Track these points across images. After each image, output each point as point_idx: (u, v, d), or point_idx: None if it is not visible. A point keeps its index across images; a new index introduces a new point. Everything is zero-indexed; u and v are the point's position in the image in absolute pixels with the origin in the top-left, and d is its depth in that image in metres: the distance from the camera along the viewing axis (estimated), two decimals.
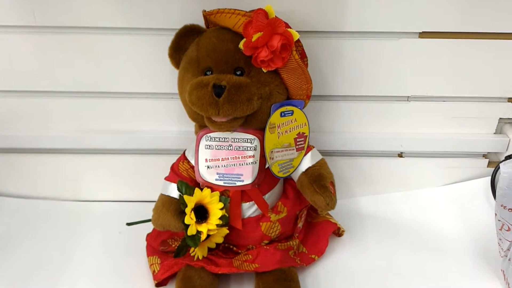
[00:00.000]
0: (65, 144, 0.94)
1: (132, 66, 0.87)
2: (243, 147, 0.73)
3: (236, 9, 0.69)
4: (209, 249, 0.78)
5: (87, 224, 0.93)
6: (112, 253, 0.85)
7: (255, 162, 0.74)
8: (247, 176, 0.74)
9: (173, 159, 0.82)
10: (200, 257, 0.77)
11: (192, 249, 0.77)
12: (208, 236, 0.75)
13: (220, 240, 0.77)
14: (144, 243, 0.84)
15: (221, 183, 0.75)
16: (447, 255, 0.84)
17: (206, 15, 0.73)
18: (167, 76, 0.85)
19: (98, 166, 0.97)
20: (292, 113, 0.74)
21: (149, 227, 0.81)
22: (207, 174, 0.75)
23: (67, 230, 0.91)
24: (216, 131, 0.72)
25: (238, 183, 0.74)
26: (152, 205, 0.79)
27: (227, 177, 0.74)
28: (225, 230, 0.77)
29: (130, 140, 0.93)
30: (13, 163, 0.97)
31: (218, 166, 0.74)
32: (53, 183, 0.99)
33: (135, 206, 0.97)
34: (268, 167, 0.75)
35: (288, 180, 0.82)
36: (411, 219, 0.93)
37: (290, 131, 0.75)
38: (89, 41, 0.85)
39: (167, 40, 0.76)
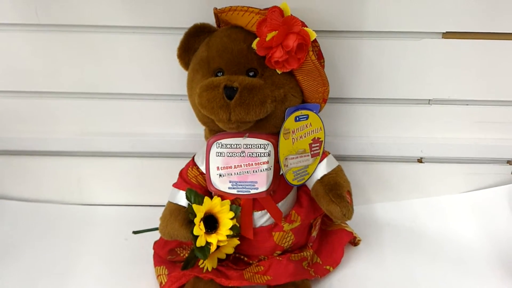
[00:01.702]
0: (70, 146, 0.94)
1: (139, 67, 0.86)
2: (256, 153, 0.71)
3: (249, 7, 0.67)
4: (219, 260, 0.76)
5: (92, 229, 0.92)
6: (118, 261, 0.84)
7: (270, 168, 0.71)
8: (261, 183, 0.71)
9: (181, 162, 0.80)
10: (210, 269, 0.75)
11: (201, 260, 0.74)
12: (218, 247, 0.73)
13: (230, 251, 0.75)
14: (151, 251, 0.83)
15: (234, 191, 0.72)
16: (468, 266, 0.82)
17: (217, 13, 0.70)
18: (176, 77, 0.83)
19: (104, 169, 0.96)
20: (307, 117, 0.71)
21: (156, 235, 0.79)
22: (219, 182, 0.72)
23: (71, 235, 0.90)
24: (226, 132, 0.70)
25: (253, 191, 0.72)
26: (160, 209, 0.77)
27: (241, 185, 0.72)
28: (236, 241, 0.75)
29: (136, 143, 0.93)
30: (16, 165, 0.96)
31: (231, 174, 0.72)
32: (57, 186, 0.98)
33: (141, 211, 0.96)
34: (282, 174, 0.72)
35: (302, 187, 0.80)
36: (430, 227, 0.91)
37: (305, 137, 0.72)
38: (94, 41, 0.84)
39: (176, 39, 0.73)
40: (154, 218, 0.77)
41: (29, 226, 0.92)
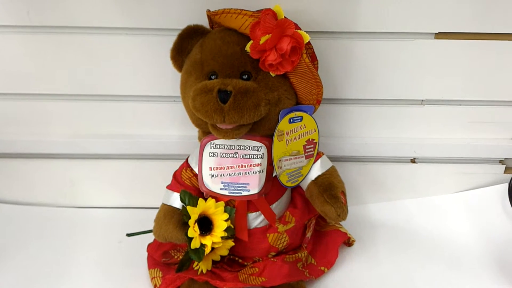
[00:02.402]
0: (62, 149, 0.93)
1: (132, 68, 0.85)
2: (249, 155, 0.70)
3: (242, 9, 0.66)
4: (214, 262, 0.76)
5: (86, 232, 0.91)
6: (112, 263, 0.83)
7: (262, 171, 0.71)
8: (253, 185, 0.71)
9: (175, 164, 0.79)
10: (204, 271, 0.74)
11: (195, 262, 0.74)
12: (213, 249, 0.72)
13: (225, 252, 0.75)
14: (144, 254, 0.82)
15: (226, 192, 0.72)
16: (462, 265, 0.82)
17: (211, 15, 0.70)
18: (169, 78, 0.83)
19: (97, 171, 0.95)
20: (301, 119, 0.71)
21: (150, 237, 0.79)
22: (211, 183, 0.72)
23: (64, 238, 0.89)
24: (221, 139, 0.69)
25: (244, 193, 0.72)
26: (154, 212, 0.76)
27: (233, 186, 0.72)
28: (231, 243, 0.74)
29: (130, 145, 0.92)
30: (8, 168, 0.96)
31: (223, 175, 0.71)
32: (50, 189, 0.97)
33: (135, 213, 0.95)
34: (275, 176, 0.72)
35: (296, 188, 0.80)
36: (424, 227, 0.91)
37: (299, 138, 0.72)
38: (87, 42, 0.83)
39: (169, 41, 0.73)
40: (148, 220, 0.76)
41: (21, 229, 0.91)
